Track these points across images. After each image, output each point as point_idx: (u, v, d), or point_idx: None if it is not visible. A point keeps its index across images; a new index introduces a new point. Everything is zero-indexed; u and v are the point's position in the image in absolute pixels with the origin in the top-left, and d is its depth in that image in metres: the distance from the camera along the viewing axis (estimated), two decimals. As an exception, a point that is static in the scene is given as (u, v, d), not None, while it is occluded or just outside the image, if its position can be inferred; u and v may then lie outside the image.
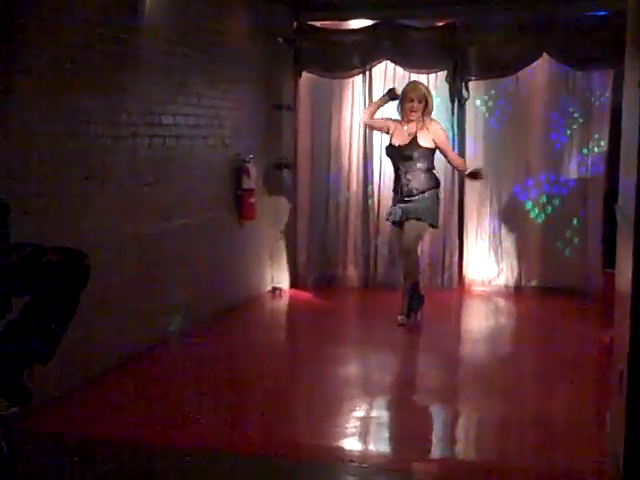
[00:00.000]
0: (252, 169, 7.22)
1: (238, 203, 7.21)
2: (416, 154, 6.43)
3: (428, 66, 7.84)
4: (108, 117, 5.21)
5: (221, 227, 6.97)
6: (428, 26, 7.89)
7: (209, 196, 6.73)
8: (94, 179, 5.05)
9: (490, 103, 8.00)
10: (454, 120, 7.82)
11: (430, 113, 6.54)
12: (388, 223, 6.98)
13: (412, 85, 6.69)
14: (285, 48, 7.95)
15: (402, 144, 6.49)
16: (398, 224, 6.60)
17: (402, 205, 6.51)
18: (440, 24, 7.87)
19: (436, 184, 6.53)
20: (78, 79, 4.84)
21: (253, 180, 7.23)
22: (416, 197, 6.44)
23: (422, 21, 7.94)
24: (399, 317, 6.56)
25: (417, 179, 6.44)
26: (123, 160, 5.41)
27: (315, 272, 8.29)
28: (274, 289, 8.04)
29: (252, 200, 7.26)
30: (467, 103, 7.87)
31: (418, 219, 6.46)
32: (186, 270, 6.25)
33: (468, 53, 7.70)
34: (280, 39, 7.88)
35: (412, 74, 7.79)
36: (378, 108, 6.83)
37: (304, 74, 8.10)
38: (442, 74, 7.82)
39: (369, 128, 7.45)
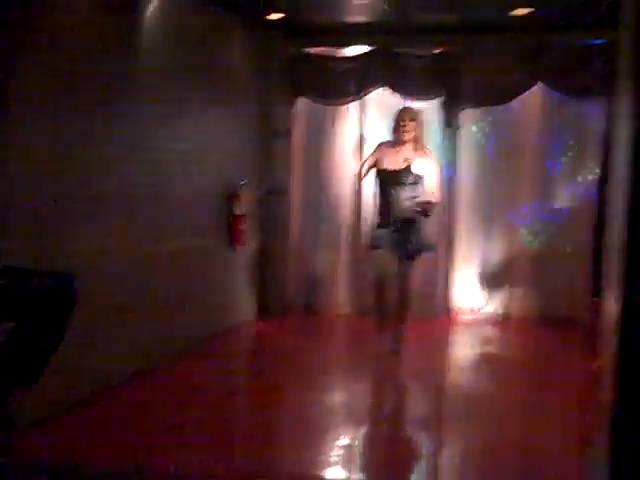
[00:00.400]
0: (244, 195, 7.21)
1: (229, 229, 7.20)
2: (410, 179, 6.40)
3: (423, 93, 7.86)
4: (100, 140, 5.18)
5: (211, 252, 6.93)
6: (423, 54, 7.93)
7: (200, 221, 6.70)
8: (83, 202, 5.01)
9: (485, 130, 8.01)
10: (448, 147, 7.84)
11: (423, 138, 6.50)
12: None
13: (402, 108, 6.68)
14: (280, 74, 7.98)
15: (396, 169, 6.42)
16: (390, 249, 6.44)
17: (395, 235, 6.38)
18: (435, 51, 7.92)
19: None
20: (72, 102, 4.83)
21: (244, 206, 7.21)
22: (406, 223, 6.37)
23: (417, 49, 7.97)
24: (390, 344, 6.48)
25: (408, 204, 6.37)
26: (114, 183, 5.38)
27: (305, 298, 8.25)
28: (263, 315, 7.97)
29: (242, 227, 7.25)
30: (462, 130, 7.89)
31: (419, 252, 6.45)
32: (174, 295, 6.19)
33: (463, 81, 7.76)
34: (275, 65, 7.90)
35: (407, 101, 7.81)
36: (369, 168, 6.70)
37: (299, 101, 8.11)
38: (437, 101, 7.85)
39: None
